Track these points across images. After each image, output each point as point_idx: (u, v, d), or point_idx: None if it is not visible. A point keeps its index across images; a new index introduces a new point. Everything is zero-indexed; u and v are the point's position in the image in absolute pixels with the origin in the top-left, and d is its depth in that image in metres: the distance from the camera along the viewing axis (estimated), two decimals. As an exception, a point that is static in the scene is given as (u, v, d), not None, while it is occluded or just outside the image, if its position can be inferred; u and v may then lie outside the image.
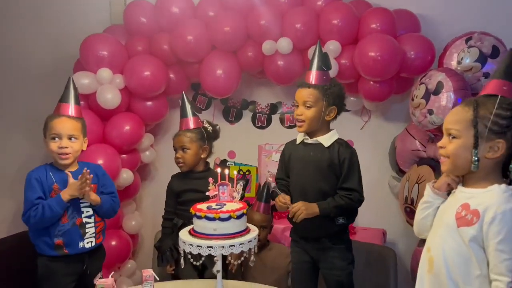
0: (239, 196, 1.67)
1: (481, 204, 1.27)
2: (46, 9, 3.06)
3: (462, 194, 1.35)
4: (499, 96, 1.28)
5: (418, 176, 2.47)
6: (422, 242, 2.60)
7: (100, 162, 2.52)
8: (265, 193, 2.19)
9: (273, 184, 1.99)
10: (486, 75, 2.27)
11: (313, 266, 2.00)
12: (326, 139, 1.92)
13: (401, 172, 2.76)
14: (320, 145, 1.92)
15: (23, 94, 3.01)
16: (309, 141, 1.95)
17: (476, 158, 1.27)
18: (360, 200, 1.91)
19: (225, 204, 1.64)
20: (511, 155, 1.28)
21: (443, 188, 1.41)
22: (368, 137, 2.92)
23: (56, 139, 1.91)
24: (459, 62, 2.31)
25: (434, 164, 2.44)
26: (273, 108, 3.09)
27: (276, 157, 2.95)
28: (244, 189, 1.86)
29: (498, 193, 1.26)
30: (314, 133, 1.95)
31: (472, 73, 2.27)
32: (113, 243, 2.75)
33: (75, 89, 2.02)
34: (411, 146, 2.61)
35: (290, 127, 3.07)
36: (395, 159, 2.74)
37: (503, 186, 1.28)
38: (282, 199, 1.88)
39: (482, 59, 2.26)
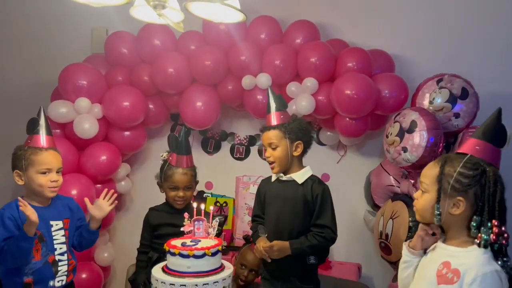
0: (214, 232, 1.66)
1: (462, 264, 1.30)
2: (26, 33, 3.04)
3: (443, 251, 1.38)
4: (469, 155, 1.34)
5: (393, 211, 2.51)
6: (396, 277, 2.63)
7: (74, 192, 2.49)
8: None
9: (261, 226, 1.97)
10: (457, 115, 2.37)
11: None
12: (300, 176, 1.95)
13: (376, 206, 2.79)
14: (294, 182, 1.95)
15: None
16: (284, 178, 1.98)
17: (437, 212, 1.33)
18: (333, 237, 1.91)
19: (200, 241, 1.63)
20: (474, 212, 1.32)
21: (418, 246, 1.45)
22: (344, 171, 2.97)
23: (47, 173, 1.88)
24: (431, 102, 2.40)
25: (407, 200, 2.49)
26: (252, 140, 3.12)
27: (254, 189, 2.96)
28: (221, 225, 1.84)
29: (478, 255, 1.30)
30: (288, 170, 1.98)
31: (443, 113, 2.37)
32: (84, 275, 2.67)
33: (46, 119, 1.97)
34: (385, 182, 2.65)
35: (268, 159, 3.10)
36: (370, 193, 2.77)
37: (482, 248, 1.31)
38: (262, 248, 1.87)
39: (452, 99, 2.36)
